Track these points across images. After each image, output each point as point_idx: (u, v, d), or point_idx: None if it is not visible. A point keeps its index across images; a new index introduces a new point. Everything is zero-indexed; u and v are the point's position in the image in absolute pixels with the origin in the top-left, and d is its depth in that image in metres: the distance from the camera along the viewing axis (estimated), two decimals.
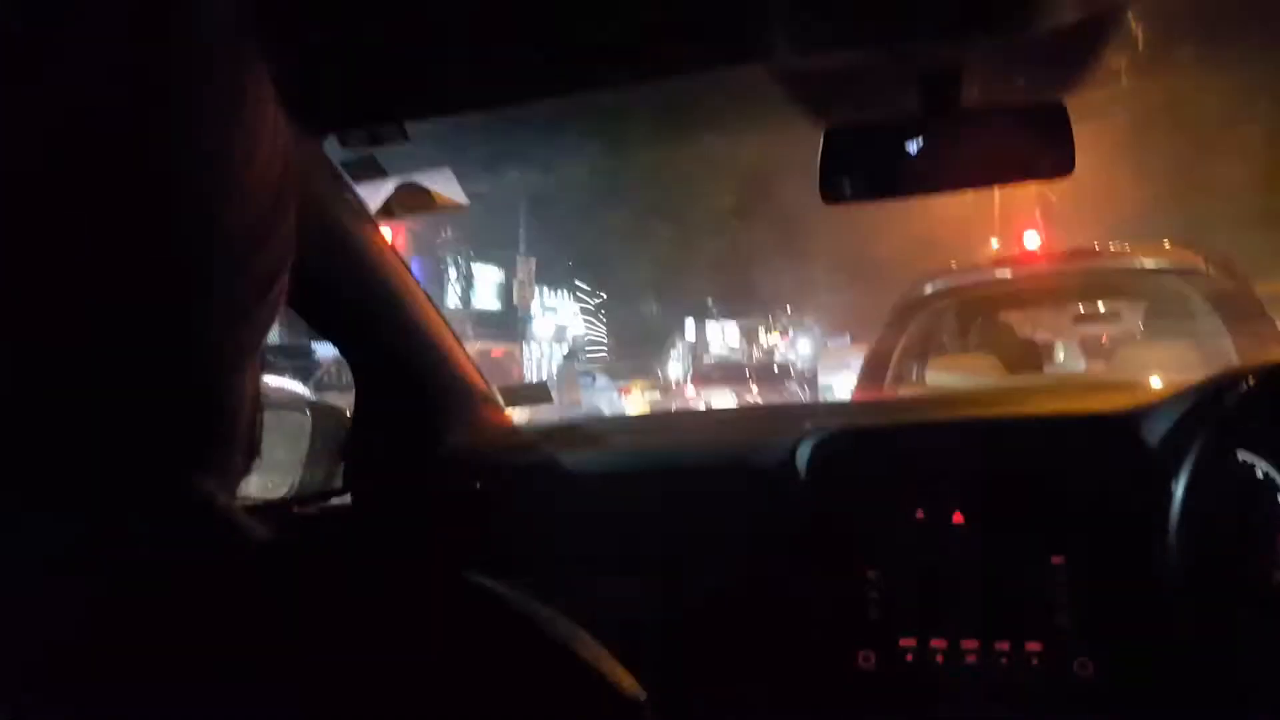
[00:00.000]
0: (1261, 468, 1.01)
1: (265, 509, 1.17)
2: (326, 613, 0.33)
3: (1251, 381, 0.89)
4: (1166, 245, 3.41)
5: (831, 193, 1.16)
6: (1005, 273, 3.88)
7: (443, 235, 17.95)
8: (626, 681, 0.37)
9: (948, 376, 3.42)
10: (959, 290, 3.85)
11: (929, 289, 3.73)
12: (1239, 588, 0.90)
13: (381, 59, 1.04)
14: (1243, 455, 1.01)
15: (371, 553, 0.38)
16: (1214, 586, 0.84)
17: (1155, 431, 1.07)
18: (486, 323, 19.04)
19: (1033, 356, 3.81)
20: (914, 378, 3.60)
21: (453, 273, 18.87)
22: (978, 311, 3.98)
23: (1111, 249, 3.72)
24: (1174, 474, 0.92)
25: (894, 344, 3.62)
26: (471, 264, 19.44)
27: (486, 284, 20.58)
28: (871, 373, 3.64)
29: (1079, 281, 3.90)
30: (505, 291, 20.59)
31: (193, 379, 0.35)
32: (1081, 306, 5.44)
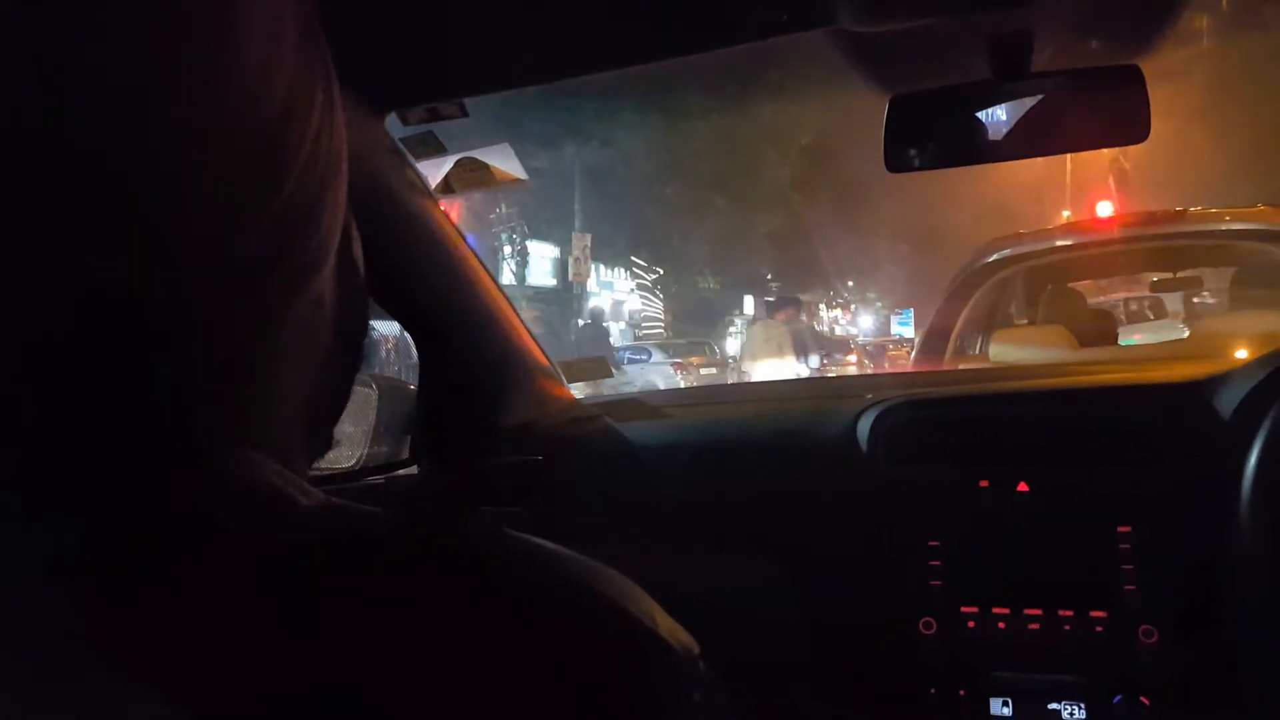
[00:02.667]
0: None
1: (333, 480, 1.22)
2: (384, 577, 0.34)
3: None
4: (1260, 208, 3.15)
5: (897, 161, 1.14)
6: (1076, 239, 3.63)
7: (498, 211, 18.03)
8: (681, 635, 0.38)
9: (1013, 350, 3.19)
10: (1026, 257, 3.61)
11: (994, 257, 3.54)
12: None
13: (441, 35, 1.06)
14: None
15: (432, 519, 0.39)
16: None
17: (1229, 400, 1.04)
18: (542, 299, 19.14)
19: (1107, 329, 3.57)
20: (977, 350, 3.47)
21: (508, 249, 18.97)
22: (1047, 280, 3.73)
23: (1196, 212, 3.39)
24: (1247, 443, 0.90)
25: (956, 316, 3.48)
26: (527, 240, 19.50)
27: (542, 260, 20.67)
28: (931, 345, 3.51)
29: (1160, 247, 3.60)
30: (561, 268, 20.66)
31: (235, 357, 0.35)
32: (1158, 276, 5.02)
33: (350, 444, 1.28)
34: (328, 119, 0.37)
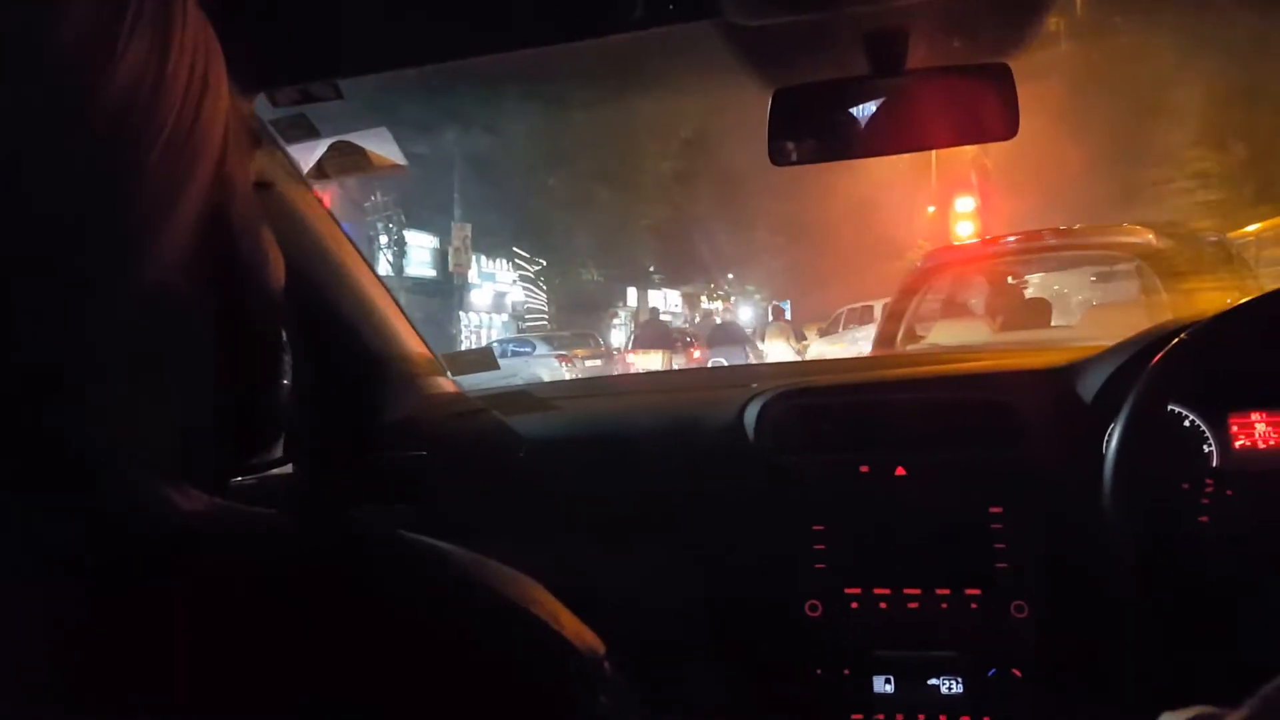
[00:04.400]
0: (1190, 417, 1.08)
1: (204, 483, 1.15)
2: (265, 589, 0.33)
3: (1182, 336, 0.94)
4: (1123, 226, 4.16)
5: (779, 154, 1.17)
6: (994, 250, 4.81)
7: (373, 199, 17.46)
8: (586, 635, 0.38)
9: (945, 335, 4.26)
10: (954, 263, 4.83)
11: (928, 263, 4.73)
12: (1168, 530, 0.96)
13: (314, 11, 1.01)
14: (1173, 406, 1.06)
15: (312, 521, 0.38)
16: (1145, 530, 0.89)
17: (1091, 384, 1.12)
18: (420, 291, 18.67)
19: (1023, 318, 4.52)
20: (916, 338, 4.46)
21: (384, 239, 18.40)
22: (975, 280, 4.86)
23: (1079, 229, 4.60)
24: (1108, 425, 0.96)
25: (905, 308, 4.49)
26: (404, 230, 18.98)
27: (420, 251, 20.17)
28: (885, 333, 4.53)
29: (1054, 256, 4.82)
30: (440, 258, 20.24)
31: (87, 358, 0.33)
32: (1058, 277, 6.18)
33: None
34: (192, 101, 0.35)
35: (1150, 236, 3.76)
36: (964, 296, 4.93)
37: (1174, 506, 1.05)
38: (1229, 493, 1.05)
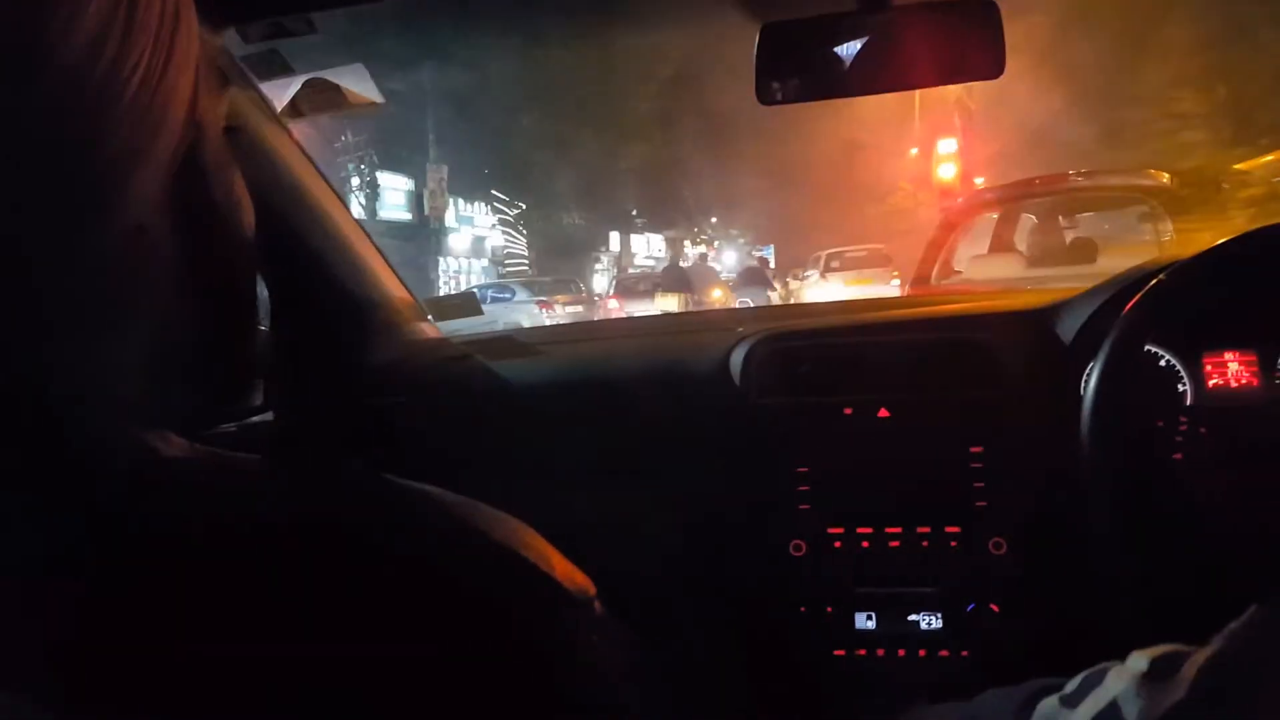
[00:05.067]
0: (1166, 357, 1.09)
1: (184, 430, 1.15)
2: (252, 536, 0.33)
3: (1159, 278, 0.94)
4: (1144, 170, 4.61)
5: (765, 93, 1.15)
6: (1024, 190, 5.16)
7: (344, 139, 17.06)
8: (576, 576, 0.38)
9: (978, 270, 4.67)
10: (987, 203, 5.27)
11: (964, 203, 5.27)
12: (1144, 467, 0.98)
13: None
14: (1150, 346, 1.08)
15: (297, 467, 0.38)
16: (1121, 466, 0.91)
17: (1070, 325, 1.13)
18: (395, 235, 18.40)
19: (1061, 255, 4.78)
20: (952, 271, 4.93)
21: (355, 181, 18.03)
22: (1009, 219, 5.27)
23: (1104, 170, 5.33)
24: (1087, 365, 0.98)
25: (940, 246, 4.95)
26: (377, 172, 18.62)
27: (395, 194, 19.85)
28: (921, 269, 4.93)
29: (1080, 195, 5.17)
30: (416, 201, 19.96)
31: (65, 305, 0.32)
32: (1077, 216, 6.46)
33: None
34: (165, 40, 0.34)
35: (1165, 179, 4.13)
36: (1003, 233, 5.29)
37: (1149, 443, 1.07)
38: (1202, 430, 1.07)
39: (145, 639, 0.30)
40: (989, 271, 4.68)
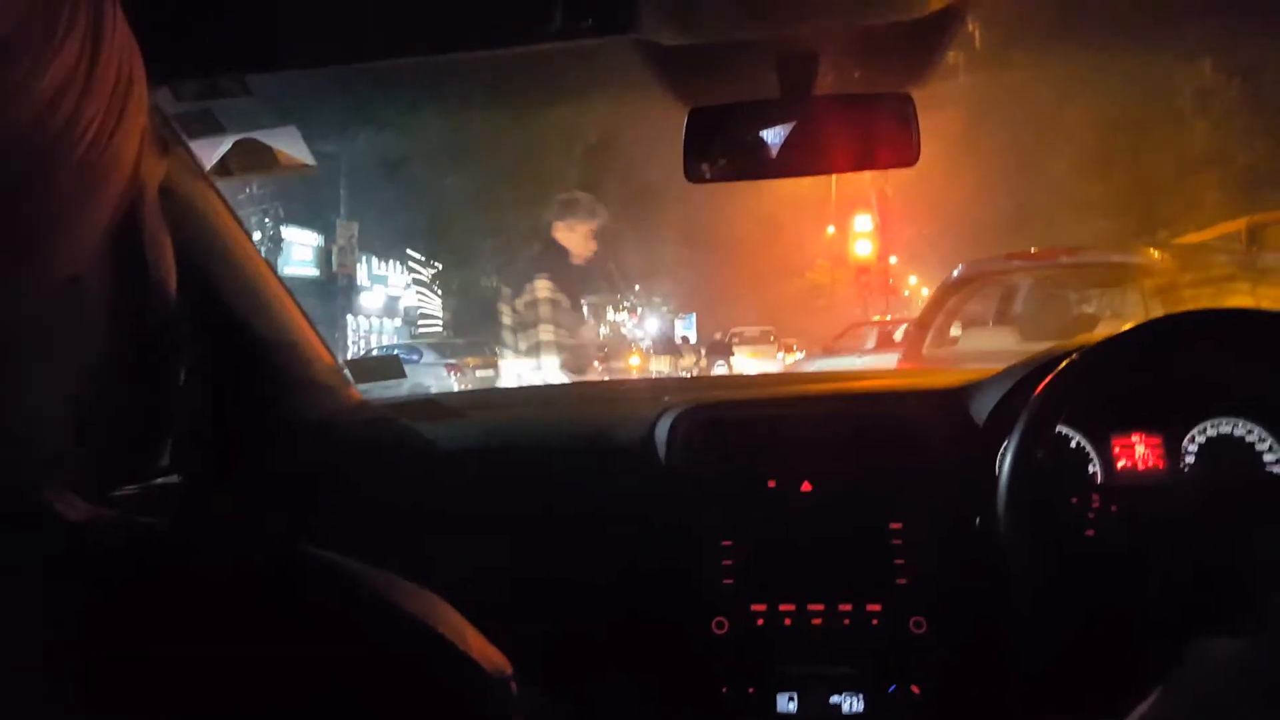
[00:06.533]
0: (1076, 438, 1.16)
1: (86, 489, 1.11)
2: (150, 604, 0.32)
3: (1071, 359, 1.01)
4: (1136, 248, 5.14)
5: (694, 172, 1.21)
6: (1020, 264, 5.47)
7: (248, 190, 16.64)
8: (492, 654, 0.38)
9: (973, 341, 5.03)
10: (983, 276, 5.51)
11: (957, 274, 5.36)
12: (1058, 545, 1.03)
13: (221, 5, 1.00)
14: (1061, 428, 1.15)
15: (198, 534, 0.37)
16: (1036, 545, 0.96)
17: (984, 405, 1.20)
18: (301, 291, 17.84)
19: (1051, 328, 4.83)
20: (944, 342, 5.22)
21: (257, 235, 17.58)
22: (1002, 290, 5.62)
23: (1093, 249, 5.71)
24: (1000, 444, 1.03)
25: (934, 315, 5.21)
26: (281, 226, 18.22)
27: (301, 249, 19.47)
28: (913, 337, 5.27)
29: (1070, 272, 5.40)
30: (324, 257, 19.62)
31: None
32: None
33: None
34: (118, 103, 0.35)
35: (1156, 256, 4.49)
36: (1003, 306, 5.60)
37: (1063, 522, 1.12)
38: (1113, 508, 1.13)
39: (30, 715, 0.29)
40: (984, 343, 4.85)
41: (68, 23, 0.32)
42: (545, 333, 4.11)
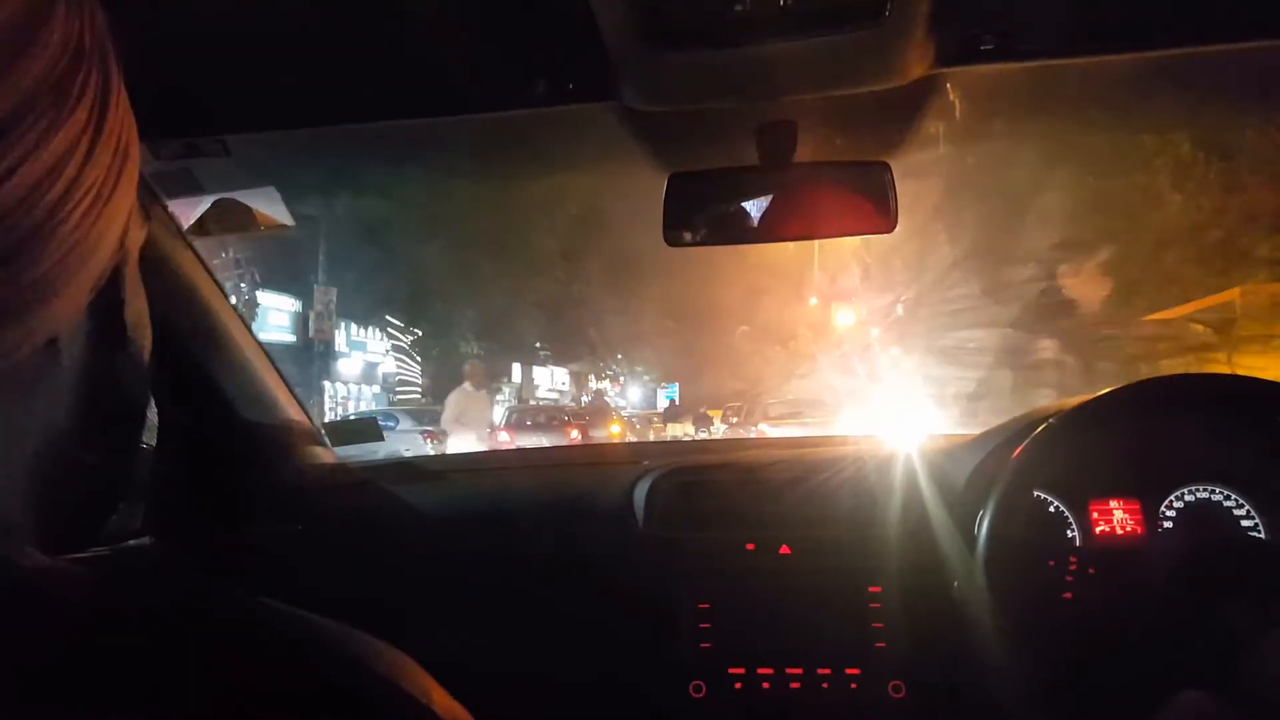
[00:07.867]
0: (1054, 504, 1.17)
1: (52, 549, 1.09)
2: (129, 649, 0.32)
3: (1047, 425, 1.03)
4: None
5: (673, 237, 1.23)
6: None
7: (224, 255, 16.70)
8: (459, 713, 0.38)
9: None
10: None
11: None
12: (1036, 609, 1.03)
13: (203, 67, 1.02)
14: (1038, 493, 1.16)
15: (168, 595, 0.37)
16: (1014, 608, 0.96)
17: (961, 471, 1.20)
18: (278, 357, 17.78)
19: None
20: None
21: (233, 299, 17.53)
22: None
23: None
24: (979, 509, 1.04)
25: None
26: (257, 290, 18.24)
27: (278, 314, 19.45)
28: None
29: None
30: (301, 322, 19.61)
31: None
32: None
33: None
34: (114, 172, 0.36)
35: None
36: None
37: (1040, 585, 1.13)
38: (1091, 571, 1.13)
39: None
40: None
41: (80, 87, 0.33)
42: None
